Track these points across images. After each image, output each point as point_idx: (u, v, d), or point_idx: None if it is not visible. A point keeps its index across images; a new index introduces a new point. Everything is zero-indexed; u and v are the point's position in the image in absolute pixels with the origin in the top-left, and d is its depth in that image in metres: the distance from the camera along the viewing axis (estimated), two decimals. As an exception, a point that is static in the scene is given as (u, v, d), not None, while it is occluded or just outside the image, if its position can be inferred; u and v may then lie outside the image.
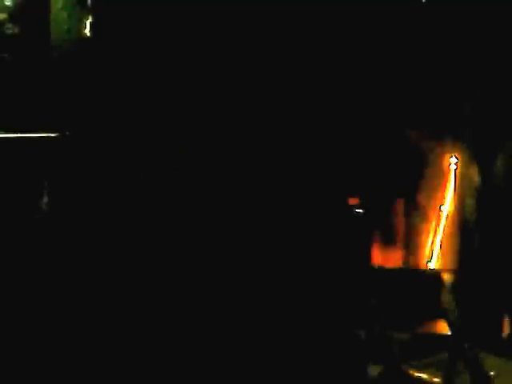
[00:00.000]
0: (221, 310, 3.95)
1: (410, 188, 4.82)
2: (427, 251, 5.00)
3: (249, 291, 4.17)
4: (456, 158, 4.94)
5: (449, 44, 4.79)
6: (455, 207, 4.98)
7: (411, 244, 4.93)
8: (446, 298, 4.56)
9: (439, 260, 4.98)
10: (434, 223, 4.99)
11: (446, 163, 4.98)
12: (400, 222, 4.89)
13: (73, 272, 4.12)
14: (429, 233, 5.00)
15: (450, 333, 4.26)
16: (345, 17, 4.41)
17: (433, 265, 4.98)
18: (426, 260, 4.99)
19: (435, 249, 4.97)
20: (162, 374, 3.81)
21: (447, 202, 4.96)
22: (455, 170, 4.96)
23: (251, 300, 4.18)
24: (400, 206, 4.88)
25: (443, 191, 4.97)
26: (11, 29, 4.46)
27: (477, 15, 4.78)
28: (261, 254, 4.26)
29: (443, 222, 4.97)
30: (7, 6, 4.46)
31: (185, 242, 4.04)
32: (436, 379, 3.99)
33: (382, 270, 4.81)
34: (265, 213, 4.37)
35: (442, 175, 4.99)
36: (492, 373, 3.92)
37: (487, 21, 4.80)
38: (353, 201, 4.78)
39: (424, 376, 4.02)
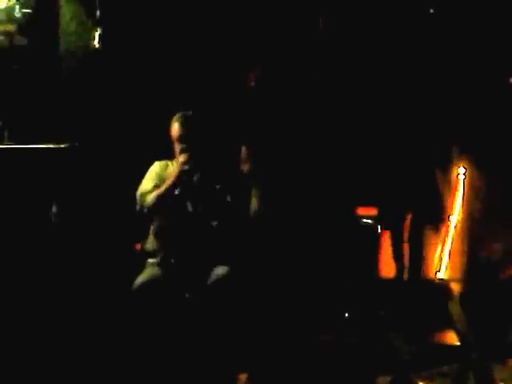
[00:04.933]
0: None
1: (418, 198, 4.80)
2: (436, 261, 4.99)
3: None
4: (464, 168, 4.93)
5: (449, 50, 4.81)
6: (463, 217, 4.97)
7: (420, 254, 4.90)
8: (455, 308, 4.55)
9: (448, 270, 4.97)
10: (442, 233, 4.98)
11: (454, 173, 4.97)
12: (409, 232, 4.87)
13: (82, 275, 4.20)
14: (437, 243, 4.99)
15: (459, 343, 4.25)
16: None
17: (442, 275, 4.97)
18: (435, 270, 4.98)
19: (444, 259, 4.96)
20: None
21: (456, 212, 4.96)
22: (463, 180, 4.95)
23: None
24: (408, 216, 4.86)
25: (452, 201, 4.97)
26: (21, 40, 4.50)
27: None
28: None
29: (452, 232, 4.97)
30: (17, 18, 4.50)
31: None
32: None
33: (390, 281, 4.80)
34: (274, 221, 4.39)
35: (450, 185, 4.99)
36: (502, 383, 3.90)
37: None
38: (361, 211, 4.78)
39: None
